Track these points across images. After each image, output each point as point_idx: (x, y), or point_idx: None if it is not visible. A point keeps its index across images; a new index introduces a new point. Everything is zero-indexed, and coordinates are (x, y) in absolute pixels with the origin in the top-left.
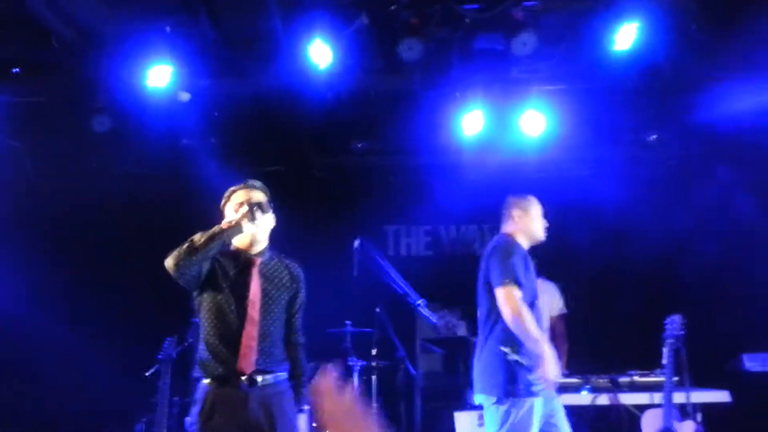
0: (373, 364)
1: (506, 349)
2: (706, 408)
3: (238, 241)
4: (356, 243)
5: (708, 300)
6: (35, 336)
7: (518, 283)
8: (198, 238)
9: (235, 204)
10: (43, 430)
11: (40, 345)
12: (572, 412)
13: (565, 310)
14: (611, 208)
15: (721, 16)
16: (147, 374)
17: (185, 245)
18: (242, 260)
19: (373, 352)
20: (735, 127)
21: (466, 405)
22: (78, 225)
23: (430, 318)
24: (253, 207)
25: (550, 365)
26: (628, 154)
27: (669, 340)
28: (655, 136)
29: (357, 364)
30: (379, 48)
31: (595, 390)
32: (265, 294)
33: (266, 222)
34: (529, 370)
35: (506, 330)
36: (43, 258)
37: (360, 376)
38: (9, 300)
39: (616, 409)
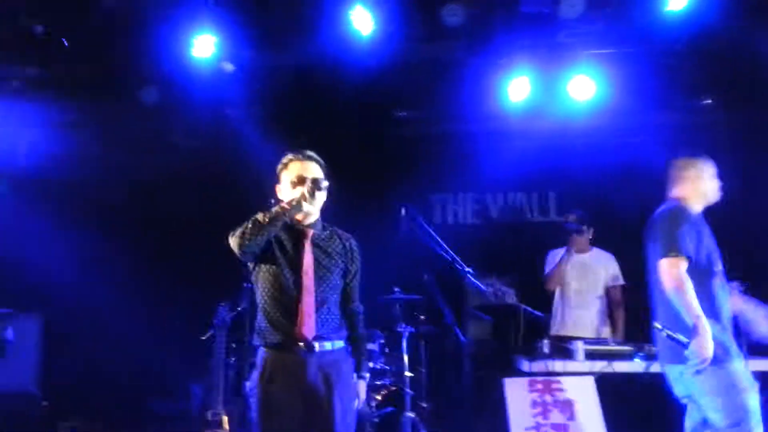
0: (422, 330)
1: (658, 325)
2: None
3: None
4: (402, 211)
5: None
6: (94, 304)
7: (684, 255)
8: (262, 218)
9: (293, 176)
10: (107, 392)
11: (100, 313)
12: (626, 379)
13: (621, 281)
14: (662, 176)
15: None
16: (203, 338)
17: (249, 225)
18: (296, 232)
19: (422, 318)
20: None
21: (516, 371)
22: (129, 195)
23: (479, 285)
24: (314, 185)
25: (707, 342)
26: (680, 120)
27: None
28: (708, 101)
29: (406, 330)
30: (422, 14)
31: (648, 358)
32: (318, 264)
33: (322, 197)
34: (685, 346)
35: (663, 303)
36: (95, 229)
37: (408, 342)
38: (70, 270)
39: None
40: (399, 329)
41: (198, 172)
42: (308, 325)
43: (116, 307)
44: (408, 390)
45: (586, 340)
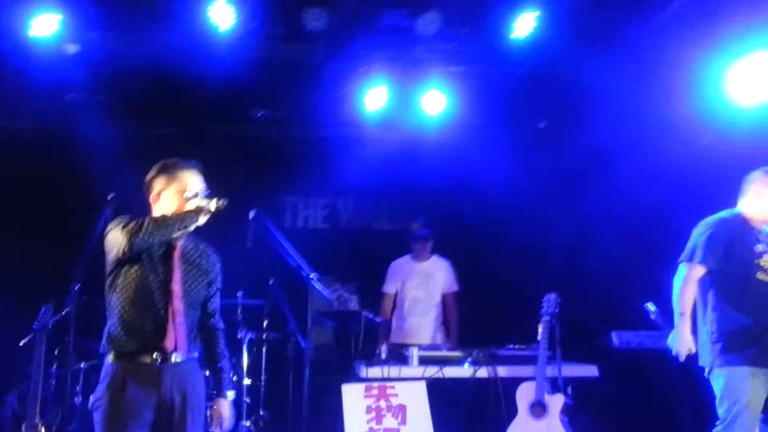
0: (264, 336)
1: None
2: (576, 382)
3: None
4: (252, 213)
5: (582, 279)
6: None
7: (695, 263)
8: (159, 219)
9: (180, 186)
10: None
11: None
12: (457, 383)
13: (456, 287)
14: (501, 190)
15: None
16: (21, 344)
17: (147, 224)
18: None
19: (264, 324)
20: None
21: (355, 377)
22: None
23: (323, 291)
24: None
25: (679, 337)
26: (520, 139)
27: (545, 317)
28: (544, 124)
29: (246, 336)
30: (285, 15)
31: (476, 363)
32: (185, 275)
33: None
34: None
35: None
36: None
37: (249, 348)
38: None
39: (494, 381)
40: (239, 335)
41: (32, 158)
42: (171, 336)
43: None
44: (245, 399)
45: (421, 347)
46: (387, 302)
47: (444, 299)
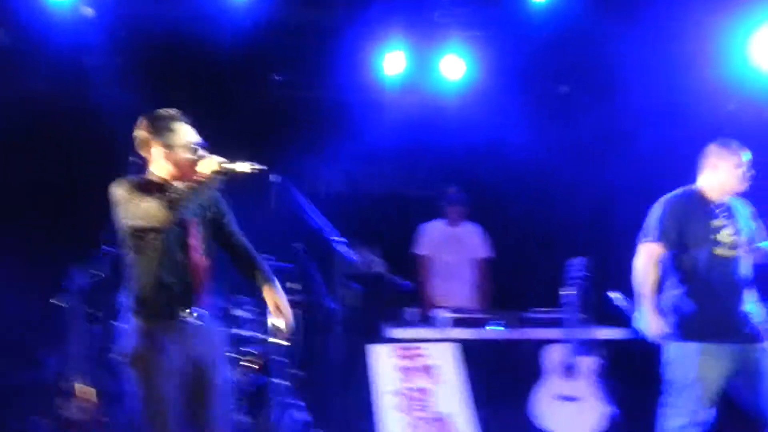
0: (294, 298)
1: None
2: (607, 345)
3: (163, 176)
4: (273, 177)
5: (605, 246)
6: None
7: (655, 241)
8: (198, 185)
9: (187, 139)
10: None
11: None
12: (491, 346)
13: (489, 253)
14: (523, 155)
15: None
16: (53, 301)
17: (189, 193)
18: None
19: (293, 286)
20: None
21: (383, 339)
22: None
23: (349, 255)
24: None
25: (643, 317)
26: (540, 104)
27: (573, 280)
28: (566, 89)
29: None
30: None
31: (503, 325)
32: (196, 226)
33: None
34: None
35: None
36: None
37: None
38: None
39: (522, 343)
40: None
41: (51, 123)
42: (196, 291)
43: None
44: (279, 358)
45: (451, 309)
46: (421, 263)
47: (476, 264)
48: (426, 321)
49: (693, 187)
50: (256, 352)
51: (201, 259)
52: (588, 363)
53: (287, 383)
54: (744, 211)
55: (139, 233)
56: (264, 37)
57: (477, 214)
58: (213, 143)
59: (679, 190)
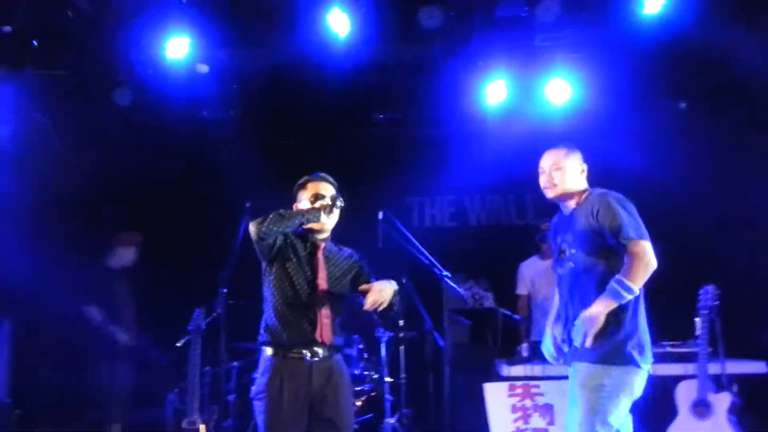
0: (401, 335)
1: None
2: (742, 379)
3: (308, 227)
4: (380, 215)
5: (743, 270)
6: (64, 310)
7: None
8: (283, 212)
9: (310, 194)
10: (78, 399)
11: (71, 318)
12: None
13: None
14: (639, 179)
15: None
16: (178, 345)
17: (271, 216)
18: (310, 243)
19: (401, 323)
20: None
21: (495, 376)
22: (101, 198)
23: (457, 289)
24: (332, 201)
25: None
26: (655, 123)
27: (703, 311)
28: (683, 105)
29: (385, 335)
30: (399, 16)
31: None
32: (330, 274)
33: (336, 216)
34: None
35: None
36: (66, 232)
37: (387, 347)
38: (38, 275)
39: (650, 379)
40: (377, 334)
41: (171, 174)
42: (320, 330)
43: None
44: (388, 396)
45: None
46: (521, 303)
47: None
48: (540, 357)
49: None
50: (365, 390)
51: (326, 301)
52: (721, 400)
53: (394, 421)
54: None
55: (266, 266)
56: (364, 77)
57: None
58: None
59: None
